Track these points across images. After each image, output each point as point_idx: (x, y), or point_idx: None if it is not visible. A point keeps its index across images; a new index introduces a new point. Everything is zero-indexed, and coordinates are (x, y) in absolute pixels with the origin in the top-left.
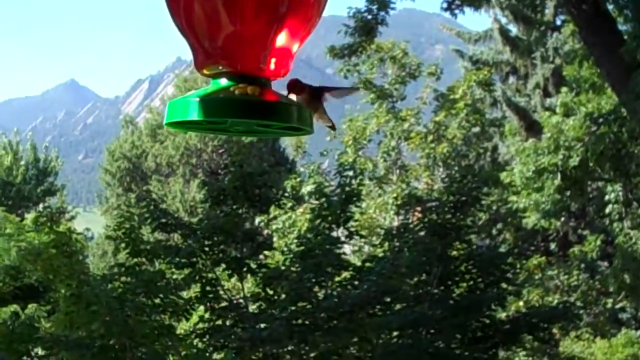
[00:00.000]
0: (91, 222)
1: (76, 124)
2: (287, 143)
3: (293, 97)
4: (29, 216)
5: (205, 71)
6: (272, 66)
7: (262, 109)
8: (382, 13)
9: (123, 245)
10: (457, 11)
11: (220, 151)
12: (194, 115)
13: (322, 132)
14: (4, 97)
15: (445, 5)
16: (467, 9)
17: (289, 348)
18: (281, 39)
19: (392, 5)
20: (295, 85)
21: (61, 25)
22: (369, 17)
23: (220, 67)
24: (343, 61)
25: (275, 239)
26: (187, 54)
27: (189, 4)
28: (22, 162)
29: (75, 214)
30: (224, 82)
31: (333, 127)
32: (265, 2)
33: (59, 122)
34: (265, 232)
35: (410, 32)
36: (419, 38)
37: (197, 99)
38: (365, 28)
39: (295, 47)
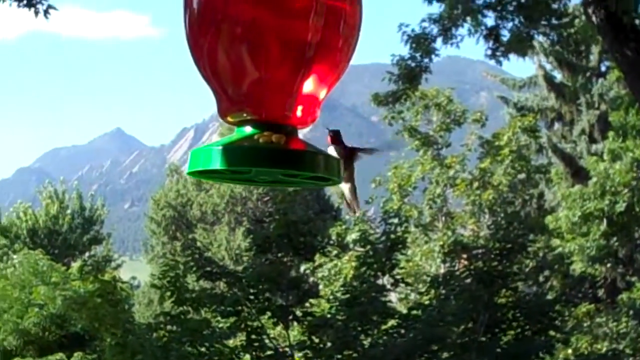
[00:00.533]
0: (137, 270)
1: (122, 173)
2: (332, 191)
3: (332, 149)
4: (75, 265)
5: (229, 118)
6: (299, 113)
7: (288, 158)
8: (426, 60)
9: (168, 293)
10: (501, 58)
11: (265, 199)
12: (217, 164)
13: (367, 179)
14: (51, 147)
15: (489, 52)
16: (511, 56)
17: None
18: (308, 85)
19: (436, 52)
20: (339, 136)
21: (107, 75)
22: (413, 64)
23: (245, 115)
24: (387, 108)
25: (321, 286)
26: None
27: (212, 50)
28: (68, 211)
29: (121, 262)
30: (248, 130)
31: (350, 206)
32: (291, 46)
33: (105, 171)
34: (311, 279)
35: (454, 79)
36: (463, 85)
37: (220, 148)
38: (409, 75)
39: (322, 94)
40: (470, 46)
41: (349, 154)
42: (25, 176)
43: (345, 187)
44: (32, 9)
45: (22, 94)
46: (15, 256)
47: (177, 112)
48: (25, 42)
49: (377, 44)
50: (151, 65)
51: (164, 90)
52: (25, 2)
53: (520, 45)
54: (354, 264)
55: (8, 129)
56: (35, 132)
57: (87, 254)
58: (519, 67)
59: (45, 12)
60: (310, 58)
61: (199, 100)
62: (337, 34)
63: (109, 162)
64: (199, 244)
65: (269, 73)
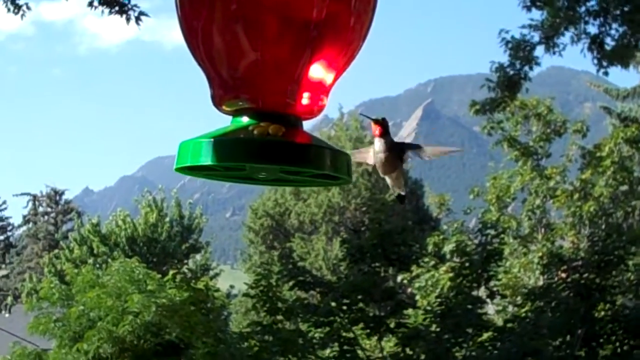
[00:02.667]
0: (238, 279)
1: (224, 182)
2: (430, 201)
3: (376, 140)
4: (170, 273)
5: (224, 107)
6: (304, 101)
7: (285, 153)
8: (526, 68)
9: (260, 303)
10: (607, 68)
11: (363, 209)
12: (205, 159)
13: (466, 189)
14: (154, 155)
15: (595, 62)
16: (616, 66)
17: None
18: (314, 69)
19: (537, 61)
20: (386, 125)
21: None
22: (512, 72)
23: (241, 103)
24: (487, 118)
25: (417, 297)
26: (333, 112)
27: (206, 31)
28: (167, 219)
29: (220, 271)
30: (245, 120)
31: (402, 200)
32: (292, 23)
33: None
34: (409, 290)
35: (558, 90)
36: (567, 96)
37: (210, 140)
38: (508, 83)
39: (331, 79)
40: (574, 56)
41: (395, 148)
42: (129, 184)
43: (388, 179)
44: (124, 16)
45: (125, 103)
46: (116, 264)
47: None
48: (127, 51)
49: (481, 54)
50: None
51: None
52: (117, 9)
53: (625, 52)
54: (450, 275)
55: (111, 137)
56: (138, 141)
57: (188, 261)
58: (624, 77)
59: (137, 19)
60: (315, 37)
61: None
62: (348, 9)
63: None
64: (296, 253)
65: (266, 54)
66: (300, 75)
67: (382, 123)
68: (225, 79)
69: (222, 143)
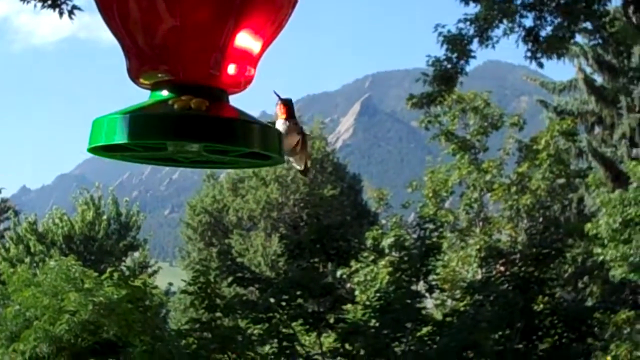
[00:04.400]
0: (177, 276)
1: (162, 180)
2: (369, 195)
3: (281, 122)
4: (108, 270)
5: (142, 80)
6: (231, 72)
7: (208, 129)
8: (462, 62)
9: (198, 300)
10: (541, 60)
11: (301, 204)
12: (120, 137)
13: (405, 183)
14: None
15: (529, 54)
16: (551, 59)
17: None
18: (240, 38)
19: (472, 54)
20: (291, 106)
21: None
22: (448, 66)
23: (160, 75)
24: (424, 112)
25: (357, 292)
26: (271, 108)
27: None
28: (104, 217)
29: (158, 268)
30: (165, 94)
31: (305, 172)
32: None
33: (145, 177)
34: (348, 285)
35: (495, 84)
36: (504, 90)
37: (124, 116)
38: (444, 77)
39: (258, 48)
40: (511, 50)
41: (300, 130)
42: (67, 183)
43: (292, 159)
44: (57, 10)
45: (61, 101)
46: (52, 262)
47: None
48: (63, 49)
49: (418, 49)
50: None
51: None
52: (49, 2)
53: (560, 44)
54: (389, 269)
55: (48, 135)
56: (75, 140)
57: (127, 259)
58: (559, 70)
59: (70, 12)
60: (240, 3)
61: (240, 106)
62: None
63: (149, 169)
64: (234, 250)
65: (186, 20)
66: (225, 44)
67: (289, 104)
68: (142, 49)
69: (139, 119)
